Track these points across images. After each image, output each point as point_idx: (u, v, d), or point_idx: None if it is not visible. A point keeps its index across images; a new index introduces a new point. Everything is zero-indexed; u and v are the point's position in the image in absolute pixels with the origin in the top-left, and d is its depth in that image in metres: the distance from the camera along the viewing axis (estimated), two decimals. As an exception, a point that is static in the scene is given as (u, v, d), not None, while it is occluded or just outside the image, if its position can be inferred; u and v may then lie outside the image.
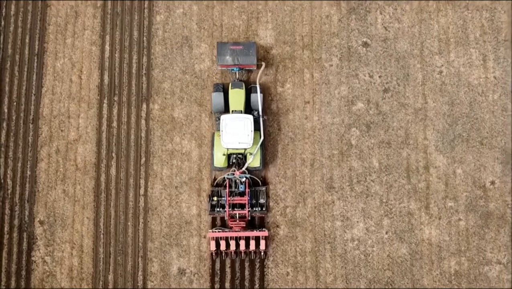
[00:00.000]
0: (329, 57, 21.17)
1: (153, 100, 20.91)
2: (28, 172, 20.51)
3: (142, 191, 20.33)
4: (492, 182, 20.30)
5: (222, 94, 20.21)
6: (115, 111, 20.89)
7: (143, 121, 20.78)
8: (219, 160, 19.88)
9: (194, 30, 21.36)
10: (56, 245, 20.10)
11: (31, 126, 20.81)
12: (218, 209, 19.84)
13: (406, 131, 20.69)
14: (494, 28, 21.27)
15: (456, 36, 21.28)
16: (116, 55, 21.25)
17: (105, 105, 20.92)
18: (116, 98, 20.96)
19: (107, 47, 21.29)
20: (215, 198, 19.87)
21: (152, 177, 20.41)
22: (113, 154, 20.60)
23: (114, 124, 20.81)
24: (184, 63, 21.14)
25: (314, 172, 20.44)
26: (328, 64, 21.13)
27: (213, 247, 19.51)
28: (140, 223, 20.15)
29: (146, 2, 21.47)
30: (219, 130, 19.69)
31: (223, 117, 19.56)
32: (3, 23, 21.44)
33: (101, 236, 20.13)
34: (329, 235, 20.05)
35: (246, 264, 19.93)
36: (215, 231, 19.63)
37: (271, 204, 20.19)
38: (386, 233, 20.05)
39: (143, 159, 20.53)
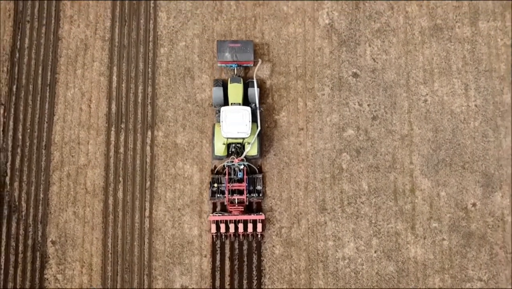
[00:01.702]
0: (321, 87, 21.68)
1: (158, 127, 21.39)
2: (41, 195, 20.93)
3: (147, 213, 20.75)
4: (474, 204, 20.78)
5: (221, 88, 20.75)
6: (122, 137, 21.35)
7: (148, 147, 21.24)
8: (219, 149, 20.41)
9: (195, 62, 21.86)
10: (67, 264, 20.51)
11: (43, 151, 21.21)
12: (218, 195, 20.37)
13: (393, 156, 21.19)
14: (475, 59, 21.78)
15: (440, 66, 21.78)
16: (123, 85, 21.71)
17: (112, 132, 21.36)
18: (123, 126, 21.42)
19: (114, 77, 21.73)
20: (215, 185, 20.39)
21: (157, 200, 20.88)
22: (120, 178, 21.05)
23: (121, 150, 21.27)
24: (186, 93, 21.64)
25: (308, 194, 20.93)
26: (321, 93, 21.65)
27: (213, 229, 20.07)
28: (145, 243, 20.60)
29: (151, 36, 22.02)
30: (219, 121, 20.24)
31: (223, 109, 20.10)
32: (17, 55, 21.88)
33: (109, 255, 20.56)
34: (322, 254, 20.52)
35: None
36: (216, 215, 20.18)
37: (267, 225, 20.70)
38: (375, 252, 20.53)
39: (148, 183, 20.99)
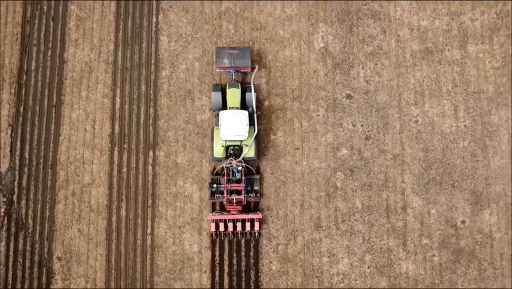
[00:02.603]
0: (317, 108, 22.08)
1: (159, 147, 21.77)
2: (47, 213, 21.28)
3: (149, 230, 21.10)
4: (463, 222, 21.16)
5: (220, 93, 21.17)
6: (125, 157, 21.71)
7: (150, 167, 21.62)
8: (218, 151, 20.84)
9: (196, 84, 22.26)
10: (72, 279, 20.85)
11: (49, 171, 21.58)
12: (217, 195, 20.81)
13: (386, 175, 21.57)
14: (464, 81, 22.16)
15: (430, 88, 22.17)
16: (125, 106, 22.08)
17: (116, 152, 21.73)
18: (125, 146, 21.78)
19: (117, 99, 22.12)
20: (215, 185, 20.82)
21: (158, 217, 21.25)
22: (123, 197, 21.41)
23: (124, 169, 21.64)
24: (187, 114, 22.02)
25: (304, 212, 21.31)
26: (316, 114, 22.04)
27: (213, 228, 20.50)
28: (147, 259, 20.95)
29: (153, 59, 22.42)
30: (218, 124, 20.64)
31: (222, 113, 20.49)
32: (24, 77, 22.26)
33: (113, 271, 20.91)
34: (317, 270, 20.89)
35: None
36: (215, 214, 20.59)
37: (264, 241, 21.07)
38: (368, 267, 20.90)
39: (150, 201, 21.36)
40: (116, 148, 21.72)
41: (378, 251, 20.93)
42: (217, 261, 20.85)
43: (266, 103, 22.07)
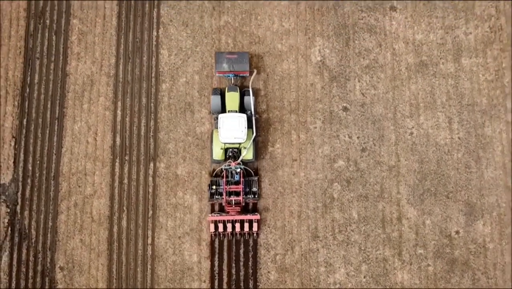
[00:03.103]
0: (314, 120, 22.31)
1: (160, 159, 21.99)
2: (50, 223, 21.51)
3: (149, 241, 21.32)
4: (457, 232, 21.39)
5: (219, 96, 21.50)
6: (126, 169, 21.94)
7: (150, 178, 21.84)
8: (218, 154, 21.12)
9: (195, 97, 22.50)
10: (74, 289, 21.21)
11: (52, 182, 21.78)
12: (216, 196, 21.09)
13: (382, 186, 21.80)
14: (458, 94, 22.41)
15: (425, 101, 22.42)
16: (127, 119, 22.32)
17: (117, 163, 21.95)
18: (127, 158, 22.02)
19: (119, 112, 22.35)
20: (214, 187, 21.11)
21: (158, 228, 21.47)
22: (124, 208, 21.64)
23: (125, 180, 21.87)
24: (186, 126, 22.26)
25: (301, 222, 21.54)
26: (313, 127, 22.28)
27: (212, 229, 20.76)
28: (148, 269, 21.17)
29: (154, 72, 22.67)
30: (217, 127, 20.87)
31: (221, 116, 20.82)
32: (27, 90, 22.50)
33: (114, 280, 21.12)
34: (314, 280, 21.10)
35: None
36: (214, 215, 20.83)
37: (263, 251, 21.30)
38: (364, 277, 21.12)
39: (150, 212, 21.58)
40: (117, 160, 21.94)
41: (374, 261, 21.15)
42: (216, 271, 21.07)
43: (265, 115, 22.30)
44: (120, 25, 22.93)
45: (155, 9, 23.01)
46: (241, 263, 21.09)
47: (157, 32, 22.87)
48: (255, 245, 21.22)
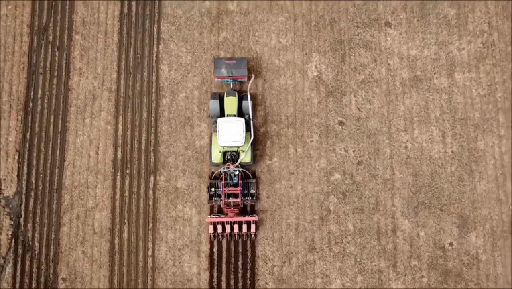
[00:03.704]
0: (310, 134, 22.60)
1: (160, 172, 22.28)
2: (53, 235, 21.77)
3: (150, 253, 21.57)
4: (451, 244, 21.66)
5: (218, 101, 21.82)
6: (127, 182, 22.21)
7: (151, 191, 22.12)
8: (216, 157, 21.45)
9: (195, 111, 22.79)
10: (76, 300, 21.46)
11: (55, 195, 22.06)
12: (215, 198, 21.42)
13: (377, 198, 22.08)
14: (452, 108, 22.69)
15: (419, 115, 22.70)
16: (128, 133, 22.59)
17: (118, 177, 22.23)
18: (128, 171, 22.32)
19: (120, 126, 22.62)
20: (213, 189, 21.42)
21: (159, 240, 21.75)
22: (125, 220, 21.91)
23: (126, 193, 22.15)
24: (186, 140, 22.54)
25: (298, 235, 21.82)
26: (309, 140, 22.56)
27: (211, 230, 21.08)
28: (149, 280, 21.41)
29: (154, 87, 22.98)
30: (216, 131, 21.21)
31: (219, 120, 21.16)
32: (31, 105, 22.78)
33: (115, 291, 21.51)
34: (311, 291, 21.45)
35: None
36: (213, 217, 21.15)
37: (260, 263, 21.57)
38: (360, 288, 21.38)
39: (150, 224, 21.86)
40: (118, 173, 22.22)
41: (369, 272, 21.42)
42: (215, 283, 21.35)
43: (262, 129, 22.60)
44: (121, 41, 23.24)
45: (156, 26, 23.33)
46: (240, 275, 21.38)
47: (158, 48, 23.19)
48: (253, 257, 21.49)
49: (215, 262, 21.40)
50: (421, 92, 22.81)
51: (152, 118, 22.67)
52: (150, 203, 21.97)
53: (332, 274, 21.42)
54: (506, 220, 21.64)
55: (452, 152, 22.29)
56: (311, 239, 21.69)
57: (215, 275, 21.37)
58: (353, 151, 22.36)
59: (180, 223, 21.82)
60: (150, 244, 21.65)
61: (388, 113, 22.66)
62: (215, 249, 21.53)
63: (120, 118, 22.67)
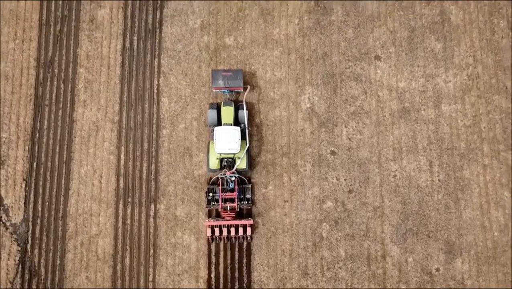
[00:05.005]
0: (304, 163, 23.18)
1: (160, 201, 22.84)
2: (58, 261, 22.30)
3: (150, 278, 22.07)
4: (437, 269, 22.20)
5: (215, 110, 22.54)
6: (129, 210, 22.77)
7: (151, 219, 22.68)
8: (214, 163, 22.16)
9: (194, 142, 23.38)
10: (80, 323, 21.98)
11: (60, 222, 22.58)
12: (213, 203, 22.12)
13: (367, 225, 22.64)
14: (439, 138, 23.29)
15: (408, 145, 23.29)
16: (129, 163, 23.16)
17: (120, 205, 22.78)
18: (129, 200, 22.87)
19: (122, 156, 23.20)
20: (210, 194, 22.14)
21: (159, 266, 22.29)
22: (127, 247, 22.46)
23: (128, 221, 22.70)
24: (185, 170, 23.13)
25: (292, 261, 22.37)
26: (303, 169, 23.14)
27: (209, 233, 21.76)
28: (149, 305, 22.09)
29: (155, 118, 23.58)
30: (213, 139, 21.90)
31: (216, 129, 21.90)
32: (37, 135, 23.37)
33: (118, 315, 22.02)
34: (304, 315, 21.96)
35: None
36: (211, 220, 21.80)
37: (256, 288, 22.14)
38: (351, 312, 21.97)
39: (151, 251, 22.40)
40: (121, 202, 22.78)
41: (360, 297, 21.98)
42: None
43: (258, 158, 23.18)
44: (123, 74, 23.87)
45: (156, 59, 23.97)
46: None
47: (158, 81, 23.81)
48: (249, 282, 22.03)
49: (213, 286, 21.90)
50: (409, 123, 23.38)
51: (153, 149, 23.24)
52: (151, 230, 22.52)
53: (325, 298, 21.97)
54: (490, 246, 22.19)
55: (439, 180, 22.84)
56: (304, 265, 22.24)
57: (213, 299, 21.95)
58: (345, 179, 22.93)
59: (179, 250, 22.37)
60: (151, 270, 22.18)
61: (378, 143, 23.23)
62: (212, 275, 22.07)
63: (123, 148, 23.25)
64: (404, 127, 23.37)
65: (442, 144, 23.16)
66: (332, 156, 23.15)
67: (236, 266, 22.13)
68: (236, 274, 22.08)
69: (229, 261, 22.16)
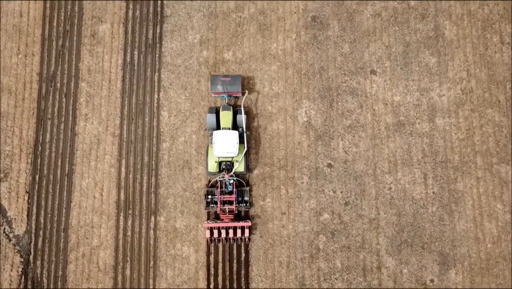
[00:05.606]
0: (301, 176, 23.45)
1: (160, 213, 23.11)
2: (60, 272, 22.58)
3: (151, 289, 22.57)
4: (432, 280, 22.47)
5: (214, 115, 22.87)
6: (129, 222, 23.04)
7: (151, 231, 22.96)
8: (212, 166, 22.51)
9: (193, 155, 23.66)
10: (82, 334, 22.24)
11: (62, 234, 22.86)
12: (212, 205, 22.48)
13: (363, 237, 22.90)
14: (433, 152, 23.57)
15: (402, 158, 23.56)
16: (130, 176, 23.45)
17: (121, 217, 23.05)
18: (130, 212, 23.14)
19: (123, 169, 23.50)
20: (209, 196, 22.49)
21: (159, 277, 22.56)
22: (128, 258, 22.72)
23: (129, 233, 22.97)
24: (185, 182, 23.40)
25: (289, 272, 22.63)
26: (300, 182, 23.41)
27: (208, 235, 22.09)
28: (150, 315, 22.35)
29: (155, 132, 23.86)
30: (212, 143, 22.24)
31: (215, 133, 22.24)
32: (40, 149, 23.65)
33: (118, 326, 22.28)
34: (301, 325, 22.21)
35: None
36: (210, 222, 22.08)
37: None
38: (347, 322, 22.21)
39: (151, 262, 22.67)
40: (121, 214, 23.05)
41: (356, 307, 22.23)
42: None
43: (256, 171, 23.45)
44: (124, 88, 24.15)
45: (156, 74, 24.25)
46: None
47: (158, 95, 24.09)
48: (247, 293, 22.36)
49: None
50: (404, 136, 23.65)
51: (153, 162, 23.51)
52: (151, 242, 22.78)
53: (321, 309, 22.22)
54: (483, 258, 22.46)
55: (433, 193, 23.11)
56: (301, 276, 22.50)
57: (212, 310, 22.20)
58: (341, 192, 23.20)
59: (179, 261, 22.63)
60: (151, 281, 22.44)
61: (374, 156, 23.50)
62: (211, 286, 22.32)
63: (123, 161, 23.51)
64: (399, 140, 23.63)
65: (437, 157, 23.42)
66: (329, 169, 23.41)
67: (235, 277, 22.39)
68: (235, 285, 22.34)
69: (227, 273, 22.42)
